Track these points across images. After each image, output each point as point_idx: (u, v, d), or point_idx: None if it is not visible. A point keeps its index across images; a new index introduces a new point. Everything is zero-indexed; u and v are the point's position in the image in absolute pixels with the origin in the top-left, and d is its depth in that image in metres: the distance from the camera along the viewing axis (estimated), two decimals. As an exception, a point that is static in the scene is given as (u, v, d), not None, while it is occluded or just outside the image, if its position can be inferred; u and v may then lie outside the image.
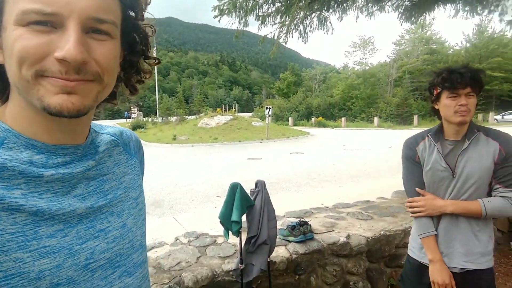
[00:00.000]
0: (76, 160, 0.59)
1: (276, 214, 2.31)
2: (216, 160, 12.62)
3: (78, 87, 0.50)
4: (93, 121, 0.67)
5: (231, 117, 24.83)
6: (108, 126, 0.74)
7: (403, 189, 1.77)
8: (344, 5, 4.80)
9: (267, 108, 21.11)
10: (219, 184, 8.05)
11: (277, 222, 2.37)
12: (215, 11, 4.67)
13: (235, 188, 1.91)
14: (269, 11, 4.90)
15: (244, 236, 2.05)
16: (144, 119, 36.42)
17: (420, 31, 41.62)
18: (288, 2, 4.46)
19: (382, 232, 2.71)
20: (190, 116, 33.49)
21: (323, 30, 5.16)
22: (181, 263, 2.03)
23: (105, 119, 71.93)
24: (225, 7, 4.63)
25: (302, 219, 2.50)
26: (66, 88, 0.49)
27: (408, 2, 5.42)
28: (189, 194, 7.40)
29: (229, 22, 4.81)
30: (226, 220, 1.87)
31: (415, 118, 31.07)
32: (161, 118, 34.82)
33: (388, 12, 5.65)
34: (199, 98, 41.74)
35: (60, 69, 0.48)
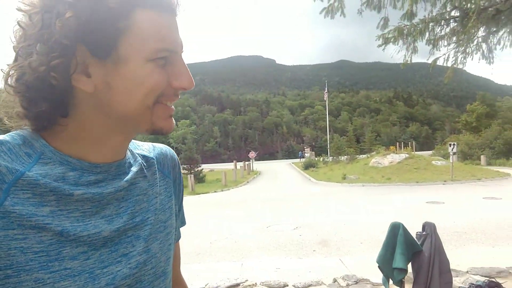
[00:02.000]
0: (108, 179, 0.59)
1: (457, 268, 1.85)
2: (389, 202, 11.64)
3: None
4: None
5: (407, 155, 22.81)
6: (144, 144, 0.74)
7: None
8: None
9: (450, 144, 18.38)
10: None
11: (458, 278, 1.90)
12: (379, 40, 4.49)
13: (396, 229, 1.63)
14: (443, 32, 4.34)
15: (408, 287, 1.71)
16: (316, 158, 37.64)
17: None
18: (466, 19, 3.82)
19: None
20: (361, 155, 32.63)
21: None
22: (336, 307, 1.86)
23: (282, 158, 78.45)
24: (390, 35, 4.38)
25: (492, 279, 1.91)
26: (172, 113, 0.60)
27: None
28: (358, 236, 7.03)
29: (395, 51, 4.52)
30: (386, 265, 1.60)
31: None
32: (331, 157, 35.28)
33: None
34: (370, 136, 40.41)
35: (174, 93, 0.58)
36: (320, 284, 2.28)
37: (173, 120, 0.61)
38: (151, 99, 0.55)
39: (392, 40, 4.37)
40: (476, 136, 37.45)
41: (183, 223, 0.83)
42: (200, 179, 24.04)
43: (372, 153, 28.51)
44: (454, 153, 18.29)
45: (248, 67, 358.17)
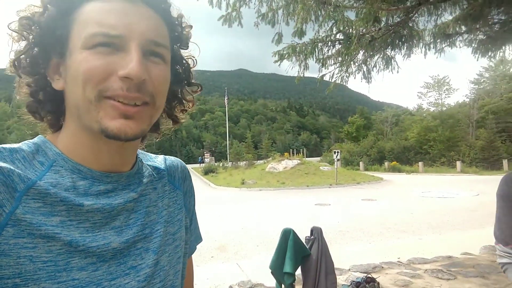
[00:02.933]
0: (118, 189, 0.58)
1: (341, 267, 2.04)
2: (283, 205, 12.38)
3: (136, 113, 0.52)
4: (141, 151, 0.69)
5: (299, 161, 24.64)
6: (156, 156, 0.73)
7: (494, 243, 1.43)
8: (410, 43, 4.57)
9: (335, 152, 20.56)
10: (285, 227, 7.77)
11: (341, 276, 2.11)
12: (275, 56, 4.78)
13: (287, 235, 1.73)
14: (330, 53, 4.86)
15: (299, 290, 1.83)
16: (216, 163, 37.94)
17: (501, 68, 38.18)
18: (348, 43, 4.38)
19: (468, 296, 2.24)
20: (259, 161, 34.03)
21: (389, 70, 4.92)
22: (231, 316, 1.88)
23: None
24: (284, 52, 4.71)
25: (369, 275, 2.18)
26: (126, 113, 0.52)
27: (482, 36, 4.98)
28: (255, 240, 7.25)
29: (289, 67, 4.88)
30: (278, 271, 1.68)
31: (505, 162, 27.61)
32: (231, 162, 35.96)
33: (460, 47, 5.25)
34: (267, 143, 42.51)
35: (122, 87, 0.51)
36: (216, 293, 2.28)
37: (130, 122, 0.52)
38: (91, 91, 0.51)
39: (286, 56, 4.70)
40: (356, 145, 42.73)
41: (198, 238, 0.80)
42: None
43: (269, 159, 30.00)
44: (338, 160, 20.49)
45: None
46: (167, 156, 0.76)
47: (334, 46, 4.97)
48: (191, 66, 0.69)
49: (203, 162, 43.94)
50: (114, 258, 0.54)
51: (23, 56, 0.55)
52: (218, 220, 9.69)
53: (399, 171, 29.69)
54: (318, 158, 43.06)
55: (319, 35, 4.51)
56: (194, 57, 0.69)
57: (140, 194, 0.61)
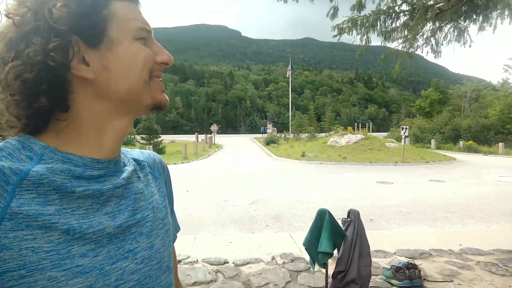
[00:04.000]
0: (108, 175, 0.61)
1: (387, 249, 2.03)
2: (342, 180, 12.18)
3: None
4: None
5: (363, 136, 23.70)
6: (131, 150, 0.77)
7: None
8: (486, 13, 4.02)
9: (403, 128, 19.37)
10: (341, 206, 7.71)
11: (385, 259, 2.10)
12: (334, 30, 4.56)
13: (323, 215, 1.76)
14: (394, 25, 4.50)
15: (331, 269, 1.87)
16: (278, 134, 38.18)
17: None
18: (414, 14, 4.00)
19: (522, 295, 2.07)
20: (321, 134, 33.48)
21: (460, 43, 4.42)
22: (269, 284, 1.99)
23: (244, 133, 78.65)
24: (344, 25, 4.47)
25: (411, 261, 2.13)
26: (163, 89, 0.64)
27: None
28: (309, 212, 7.33)
29: (348, 40, 4.64)
30: (312, 249, 1.74)
31: None
32: (293, 134, 35.90)
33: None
34: (330, 116, 41.40)
35: (160, 69, 0.63)
36: (259, 262, 2.42)
37: (165, 94, 0.65)
38: (146, 73, 0.60)
39: (346, 30, 4.46)
40: (429, 121, 39.60)
41: (178, 227, 0.84)
42: (159, 150, 23.63)
43: (331, 132, 29.35)
44: (406, 136, 19.31)
45: (213, 37, 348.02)
46: (142, 150, 0.80)
47: (398, 18, 4.60)
48: None
49: (265, 133, 44.52)
50: (111, 243, 0.57)
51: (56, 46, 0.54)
52: (276, 190, 9.92)
53: (476, 151, 27.05)
54: (385, 134, 40.99)
55: (380, 8, 4.18)
56: None
57: (127, 182, 0.64)
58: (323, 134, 31.53)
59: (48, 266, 0.49)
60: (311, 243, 1.81)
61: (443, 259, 2.61)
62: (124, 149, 0.74)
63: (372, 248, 4.10)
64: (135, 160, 0.72)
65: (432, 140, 31.35)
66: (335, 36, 4.58)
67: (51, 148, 0.56)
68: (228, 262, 3.49)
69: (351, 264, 1.75)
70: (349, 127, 28.98)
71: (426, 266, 2.30)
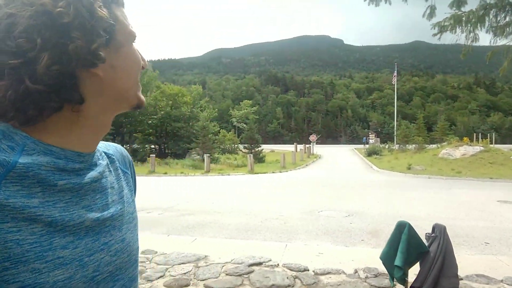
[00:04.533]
0: (86, 168, 0.62)
1: (493, 276, 1.81)
2: (454, 196, 10.91)
3: None
4: None
5: (482, 148, 20.85)
6: (101, 142, 0.74)
7: None
8: None
9: (536, 138, 16.39)
10: (449, 224, 6.95)
11: (488, 286, 1.87)
12: (434, 28, 4.19)
13: (402, 228, 1.66)
14: (508, 19, 3.90)
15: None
16: (381, 145, 36.05)
17: None
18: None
19: None
20: (431, 145, 30.46)
21: None
22: (346, 296, 1.95)
23: (345, 143, 76.30)
24: (446, 23, 4.06)
25: (516, 289, 1.83)
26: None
27: None
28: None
29: (452, 39, 4.19)
30: (388, 262, 1.65)
31: None
32: (398, 145, 33.50)
33: None
34: (443, 125, 37.27)
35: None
36: (340, 273, 2.37)
37: None
38: (139, 75, 0.67)
39: (449, 28, 4.05)
40: None
41: None
42: (259, 159, 24.61)
43: (443, 143, 26.48)
44: (539, 148, 16.31)
45: (314, 48, 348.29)
46: (109, 143, 0.80)
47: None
48: None
49: (367, 143, 42.45)
50: (88, 236, 0.58)
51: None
52: (375, 204, 9.43)
53: None
54: (513, 145, 35.12)
55: (486, 2, 3.68)
56: None
57: (102, 176, 0.65)
58: (434, 146, 28.60)
59: (31, 258, 0.49)
60: (387, 256, 1.72)
61: None
62: None
63: (473, 272, 3.63)
64: (105, 153, 0.72)
65: None
66: (435, 34, 4.21)
67: (33, 139, 0.55)
68: (308, 270, 3.50)
69: (429, 280, 1.60)
70: (465, 138, 25.72)
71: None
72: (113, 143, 0.82)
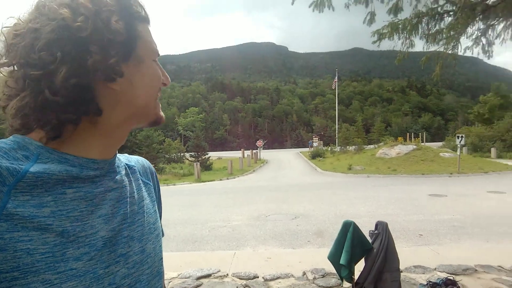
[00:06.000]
0: (102, 175, 0.61)
1: (427, 265, 1.91)
2: (391, 193, 11.62)
3: None
4: None
5: (415, 147, 22.57)
6: (123, 155, 0.76)
7: None
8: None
9: (458, 136, 18.13)
10: (388, 220, 7.34)
11: (424, 275, 1.97)
12: (373, 36, 4.45)
13: (347, 227, 1.69)
14: (438, 27, 4.28)
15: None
16: (324, 148, 37.54)
17: None
18: (460, 14, 3.76)
19: None
20: (370, 146, 32.37)
21: (512, 40, 4.09)
22: (296, 299, 1.95)
23: (291, 147, 78.46)
24: (384, 31, 4.34)
25: (450, 277, 1.96)
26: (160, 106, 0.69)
27: None
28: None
29: (390, 46, 4.49)
30: (335, 262, 1.67)
31: None
32: (339, 147, 35.13)
33: None
34: (379, 127, 39.88)
35: (160, 89, 0.68)
36: (289, 277, 2.37)
37: None
38: (158, 92, 0.66)
39: (387, 35, 4.34)
40: (488, 128, 36.67)
41: (162, 233, 0.83)
42: (207, 167, 24.27)
43: (380, 144, 28.27)
44: (462, 145, 18.04)
45: (260, 55, 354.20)
46: (129, 155, 0.80)
47: (442, 19, 4.38)
48: None
49: (312, 146, 44.00)
50: (105, 247, 0.56)
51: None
52: (319, 205, 9.71)
53: (546, 160, 24.48)
54: (440, 144, 38.55)
55: (420, 10, 4.01)
56: None
57: (120, 185, 0.64)
58: (372, 146, 30.44)
59: (42, 269, 0.48)
60: (335, 256, 1.74)
61: (490, 276, 2.36)
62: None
63: (411, 264, 3.86)
64: (126, 164, 0.72)
65: (492, 149, 28.90)
66: (374, 42, 4.47)
67: (47, 148, 0.55)
68: (257, 277, 3.46)
69: (371, 276, 1.65)
70: (399, 138, 27.71)
71: (468, 283, 2.11)
72: (135, 156, 0.81)
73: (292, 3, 4.57)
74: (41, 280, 0.48)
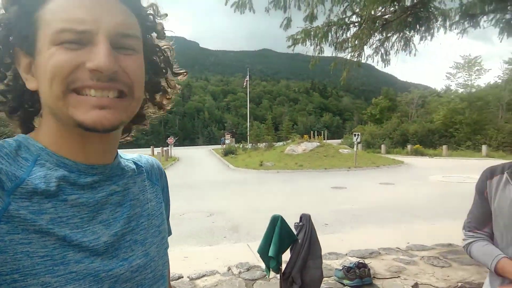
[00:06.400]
0: (102, 181, 0.58)
1: (339, 251, 2.10)
2: (299, 187, 12.45)
3: (110, 103, 0.52)
4: (118, 149, 0.68)
5: (318, 144, 24.47)
6: (131, 154, 0.74)
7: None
8: (428, 24, 4.39)
9: (355, 134, 20.28)
10: (297, 212, 7.83)
11: (337, 261, 2.17)
12: (289, 41, 4.73)
13: (275, 221, 1.80)
14: (345, 36, 4.76)
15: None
16: (236, 145, 38.19)
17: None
18: (364, 25, 4.26)
19: (459, 284, 2.23)
20: (279, 143, 34.00)
21: (406, 52, 4.78)
22: (224, 295, 1.99)
23: (202, 144, 77.89)
24: (298, 36, 4.65)
25: (361, 260, 2.23)
26: (100, 104, 0.52)
27: (509, 16, 4.70)
28: (266, 221, 7.33)
29: (303, 50, 4.83)
30: (264, 255, 1.77)
31: (536, 146, 26.40)
32: (251, 144, 36.12)
33: (484, 28, 5.00)
34: (287, 125, 42.23)
35: (91, 77, 0.51)
36: (215, 274, 2.39)
37: (106, 112, 0.52)
38: (58, 86, 0.50)
39: (300, 41, 4.64)
40: (379, 127, 41.71)
41: (169, 232, 0.81)
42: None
43: (288, 141, 29.93)
44: (358, 142, 20.21)
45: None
46: (142, 154, 0.78)
47: (348, 29, 4.87)
48: (169, 54, 0.68)
49: (224, 144, 44.35)
50: (107, 252, 0.55)
51: None
52: (233, 201, 9.89)
53: (422, 154, 28.91)
54: (339, 141, 42.49)
55: (331, 19, 4.41)
56: (171, 47, 0.69)
57: (123, 188, 0.62)
58: (281, 143, 32.03)
59: (42, 272, 0.48)
60: (264, 250, 1.83)
61: (391, 256, 2.75)
62: (123, 154, 0.71)
63: (325, 251, 4.22)
64: (133, 163, 0.69)
65: (382, 145, 33.05)
66: (289, 46, 4.74)
67: (48, 150, 0.55)
68: (182, 277, 3.37)
69: (297, 265, 1.79)
70: (305, 136, 29.74)
71: (375, 264, 2.42)
72: (148, 156, 0.79)
73: None
74: (41, 283, 0.47)
